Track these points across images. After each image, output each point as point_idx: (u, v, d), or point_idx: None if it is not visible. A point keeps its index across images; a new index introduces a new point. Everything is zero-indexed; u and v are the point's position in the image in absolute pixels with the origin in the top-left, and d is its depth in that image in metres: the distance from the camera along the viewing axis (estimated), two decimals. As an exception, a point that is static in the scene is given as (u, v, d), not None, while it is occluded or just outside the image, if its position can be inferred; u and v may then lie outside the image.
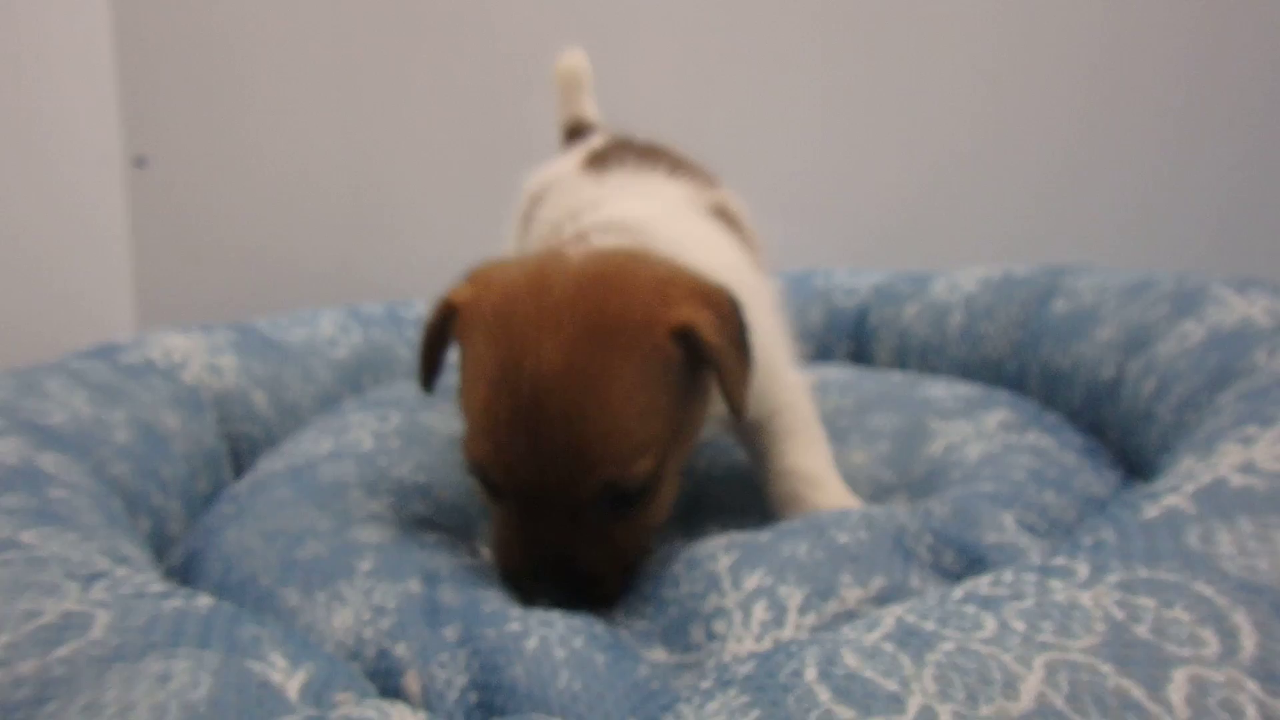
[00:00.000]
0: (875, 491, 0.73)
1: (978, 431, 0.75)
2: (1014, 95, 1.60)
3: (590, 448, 0.48)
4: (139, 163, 1.40)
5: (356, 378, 1.05)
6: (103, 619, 0.35)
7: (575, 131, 1.00)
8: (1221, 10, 1.56)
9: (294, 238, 1.52)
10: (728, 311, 0.54)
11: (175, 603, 0.38)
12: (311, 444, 0.77)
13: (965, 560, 0.55)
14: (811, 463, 0.64)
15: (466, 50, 1.49)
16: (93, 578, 0.39)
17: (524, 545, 0.52)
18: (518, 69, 1.49)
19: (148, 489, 0.64)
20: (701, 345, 0.51)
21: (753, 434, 0.66)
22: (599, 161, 0.79)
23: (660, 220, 0.65)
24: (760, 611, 0.49)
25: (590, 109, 1.02)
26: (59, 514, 0.47)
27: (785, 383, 0.65)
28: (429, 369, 0.58)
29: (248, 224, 1.50)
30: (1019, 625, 0.37)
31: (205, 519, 0.66)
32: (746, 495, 0.70)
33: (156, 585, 0.40)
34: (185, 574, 0.59)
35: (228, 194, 1.48)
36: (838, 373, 0.98)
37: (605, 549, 0.52)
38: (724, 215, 0.76)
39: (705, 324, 0.51)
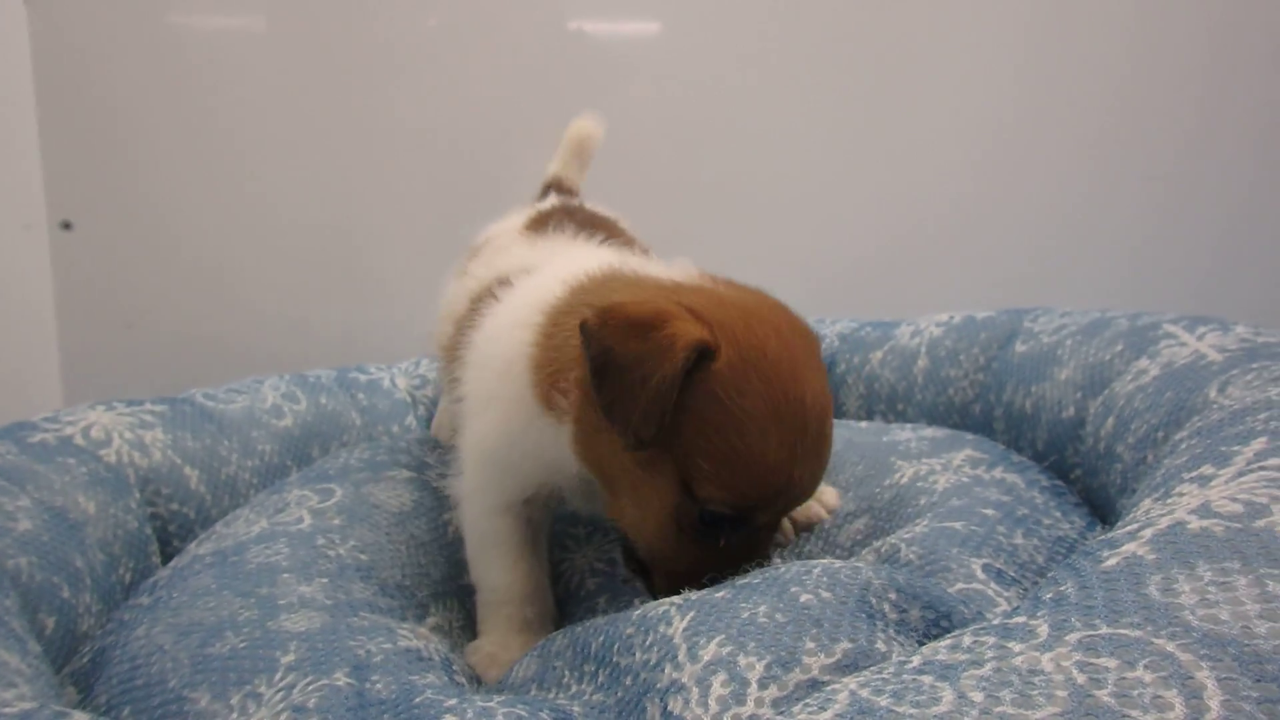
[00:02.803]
0: (837, 519, 0.70)
1: (945, 465, 0.73)
2: (995, 150, 1.60)
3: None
4: (64, 227, 1.34)
5: (304, 449, 1.00)
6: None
7: (552, 190, 1.00)
8: (1209, 60, 1.59)
9: (233, 304, 1.44)
10: None
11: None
12: (244, 525, 0.72)
13: (932, 615, 0.52)
14: None
15: (426, 105, 1.45)
16: (-60, 699, 0.34)
17: (733, 559, 0.57)
18: (485, 123, 1.46)
19: (54, 582, 0.58)
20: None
21: None
22: (540, 224, 0.79)
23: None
24: (719, 686, 0.45)
25: (577, 175, 1.02)
26: (-74, 621, 0.42)
27: None
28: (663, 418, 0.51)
29: (182, 289, 1.41)
30: (977, 696, 0.34)
31: (118, 613, 0.61)
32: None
33: (22, 704, 0.35)
34: (91, 676, 0.54)
35: (158, 258, 1.40)
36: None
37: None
38: None
39: None
